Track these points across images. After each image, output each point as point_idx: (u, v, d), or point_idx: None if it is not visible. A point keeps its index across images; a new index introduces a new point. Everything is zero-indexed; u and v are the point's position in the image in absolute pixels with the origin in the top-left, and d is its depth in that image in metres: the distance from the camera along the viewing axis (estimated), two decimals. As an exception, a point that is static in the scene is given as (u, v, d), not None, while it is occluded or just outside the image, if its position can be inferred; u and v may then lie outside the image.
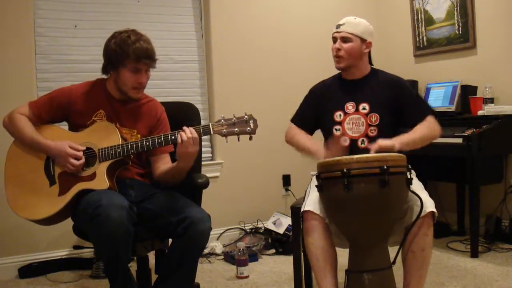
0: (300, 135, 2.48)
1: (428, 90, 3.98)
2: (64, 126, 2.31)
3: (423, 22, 4.13)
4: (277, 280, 3.00)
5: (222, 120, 2.04)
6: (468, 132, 3.20)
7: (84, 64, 3.46)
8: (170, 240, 2.15)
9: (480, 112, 3.39)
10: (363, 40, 2.39)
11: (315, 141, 2.44)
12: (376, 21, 4.38)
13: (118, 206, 1.89)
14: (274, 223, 3.65)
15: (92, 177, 2.10)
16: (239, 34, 3.97)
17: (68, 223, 2.22)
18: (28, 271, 3.20)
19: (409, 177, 1.94)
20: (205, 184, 2.30)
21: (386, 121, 2.35)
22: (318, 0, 4.28)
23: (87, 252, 3.37)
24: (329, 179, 1.95)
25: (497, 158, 3.45)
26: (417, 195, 1.97)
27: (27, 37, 3.29)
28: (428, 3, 4.07)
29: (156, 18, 3.75)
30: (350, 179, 1.86)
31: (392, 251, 2.01)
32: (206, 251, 3.48)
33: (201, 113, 2.71)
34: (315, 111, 2.50)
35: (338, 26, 2.40)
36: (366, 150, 2.21)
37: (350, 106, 2.40)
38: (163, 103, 2.42)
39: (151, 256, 2.43)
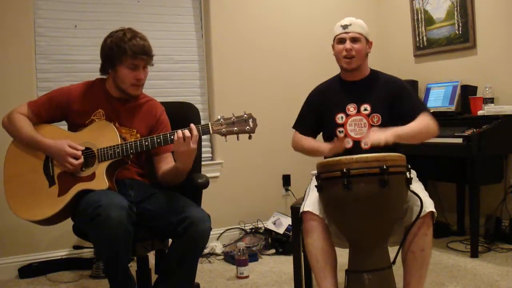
0: (305, 139, 2.50)
1: (428, 90, 3.97)
2: (63, 126, 2.31)
3: (423, 22, 4.13)
4: (277, 280, 3.00)
5: (221, 120, 2.03)
6: (468, 132, 3.20)
7: (84, 64, 3.46)
8: (170, 240, 2.14)
9: (480, 112, 3.39)
10: (367, 41, 2.41)
11: (320, 141, 2.49)
12: (376, 21, 4.39)
13: (118, 206, 1.89)
14: (274, 223, 3.65)
15: (92, 177, 2.10)
16: (239, 34, 3.97)
17: (68, 223, 2.21)
18: (28, 271, 3.19)
19: (408, 176, 1.95)
20: (205, 184, 2.30)
21: (388, 121, 2.35)
22: (318, 0, 4.28)
23: (87, 252, 3.37)
24: (329, 179, 1.95)
25: (497, 158, 3.45)
26: (417, 195, 1.97)
27: (27, 37, 3.29)
28: (428, 3, 4.07)
29: (156, 18, 3.75)
30: (349, 179, 1.86)
31: (392, 251, 2.02)
32: (206, 251, 3.48)
33: (201, 113, 2.72)
34: (316, 115, 2.50)
35: (346, 26, 2.38)
36: (369, 151, 2.20)
37: (351, 108, 2.39)
38: (163, 103, 2.42)
39: (151, 256, 2.43)
